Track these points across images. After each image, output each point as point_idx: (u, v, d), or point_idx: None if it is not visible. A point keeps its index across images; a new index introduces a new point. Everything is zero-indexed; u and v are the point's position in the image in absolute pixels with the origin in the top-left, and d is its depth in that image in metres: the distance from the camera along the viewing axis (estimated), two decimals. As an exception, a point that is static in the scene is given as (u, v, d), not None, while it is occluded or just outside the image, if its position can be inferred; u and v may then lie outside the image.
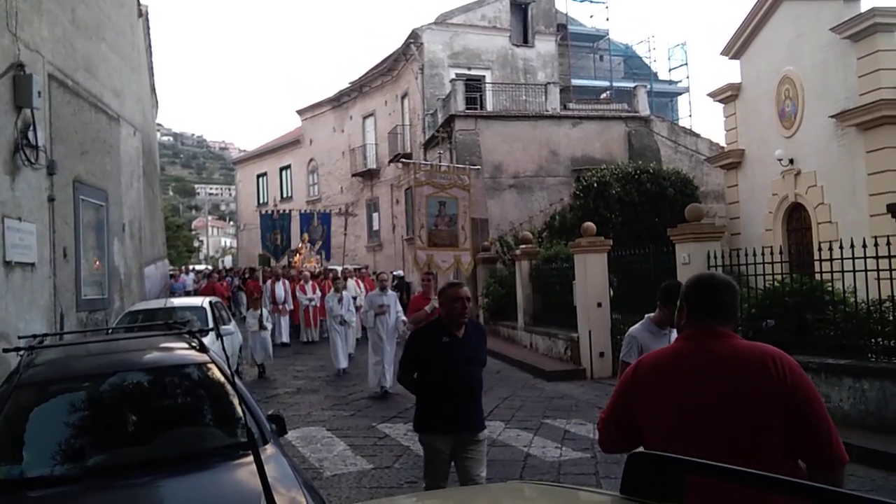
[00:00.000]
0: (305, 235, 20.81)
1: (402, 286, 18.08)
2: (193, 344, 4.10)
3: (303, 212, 23.34)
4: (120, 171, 11.83)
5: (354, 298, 13.93)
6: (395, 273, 20.04)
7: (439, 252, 12.60)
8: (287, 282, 16.32)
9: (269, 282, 16.19)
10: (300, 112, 33.58)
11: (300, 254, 20.36)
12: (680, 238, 9.10)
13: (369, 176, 28.49)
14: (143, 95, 17.24)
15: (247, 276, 23.47)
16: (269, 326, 12.34)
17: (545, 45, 24.64)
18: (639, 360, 2.38)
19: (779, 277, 8.00)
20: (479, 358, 4.31)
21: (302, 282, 16.45)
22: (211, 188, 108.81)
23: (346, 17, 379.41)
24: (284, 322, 15.90)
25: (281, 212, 21.07)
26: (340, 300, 12.42)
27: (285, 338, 15.79)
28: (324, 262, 21.04)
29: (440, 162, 13.99)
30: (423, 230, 12.57)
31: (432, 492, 3.93)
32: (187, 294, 19.97)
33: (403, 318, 10.39)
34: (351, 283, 15.05)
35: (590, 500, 2.03)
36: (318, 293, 16.02)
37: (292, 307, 16.24)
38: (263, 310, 12.30)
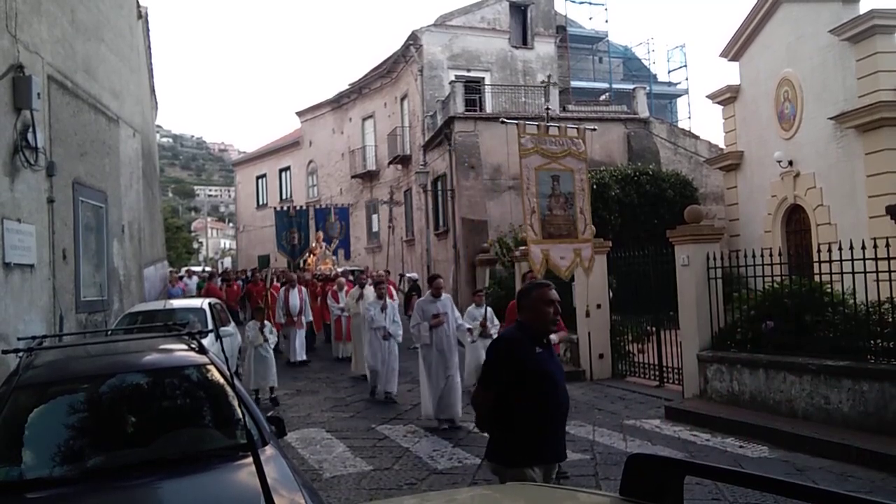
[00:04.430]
0: (320, 233, 19.21)
1: (416, 290, 16.50)
2: (193, 345, 4.10)
3: (318, 206, 22.26)
4: (119, 173, 11.83)
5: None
6: (409, 275, 19.13)
7: (556, 245, 9.37)
8: (304, 289, 13.97)
9: (283, 289, 13.65)
10: (300, 114, 33.62)
11: (314, 254, 18.68)
12: (679, 240, 9.08)
13: (369, 177, 28.53)
14: (142, 97, 17.24)
15: (249, 277, 21.17)
16: (273, 339, 10.30)
17: (544, 47, 24.67)
18: None
19: (778, 279, 8.00)
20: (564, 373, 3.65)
21: (335, 288, 13.91)
22: (210, 190, 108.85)
23: (346, 19, 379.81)
24: (300, 337, 13.43)
25: (297, 208, 20.03)
26: (384, 308, 10.08)
27: (301, 355, 13.29)
28: (338, 263, 19.27)
29: (548, 122, 10.39)
30: (534, 216, 9.34)
31: (432, 493, 3.92)
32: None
33: (467, 325, 8.88)
34: (369, 290, 11.85)
35: (589, 502, 2.03)
36: None
37: (310, 318, 14.10)
38: (266, 322, 10.24)
